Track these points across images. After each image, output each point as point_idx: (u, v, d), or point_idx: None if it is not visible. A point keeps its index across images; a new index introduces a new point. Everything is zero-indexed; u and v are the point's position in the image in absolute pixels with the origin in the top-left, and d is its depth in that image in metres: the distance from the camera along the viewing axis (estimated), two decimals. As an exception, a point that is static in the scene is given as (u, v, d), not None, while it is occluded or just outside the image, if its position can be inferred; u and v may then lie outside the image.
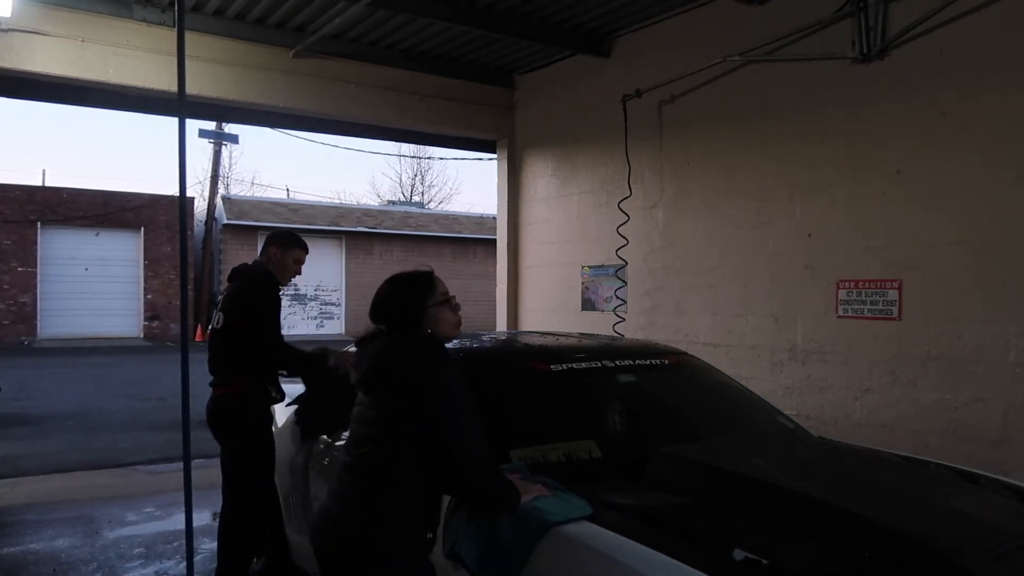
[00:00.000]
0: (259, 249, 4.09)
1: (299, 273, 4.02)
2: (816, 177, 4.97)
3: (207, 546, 4.63)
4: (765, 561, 1.98)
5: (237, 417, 3.69)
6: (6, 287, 20.00)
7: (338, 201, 32.61)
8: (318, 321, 23.42)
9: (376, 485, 2.23)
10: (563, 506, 2.30)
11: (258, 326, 3.67)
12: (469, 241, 25.77)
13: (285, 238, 3.99)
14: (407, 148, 36.78)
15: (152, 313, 21.57)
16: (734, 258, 5.52)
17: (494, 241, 8.26)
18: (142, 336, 21.41)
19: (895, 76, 4.52)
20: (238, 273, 3.92)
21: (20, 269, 20.12)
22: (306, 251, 4.01)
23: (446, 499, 2.42)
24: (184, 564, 4.12)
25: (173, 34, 5.03)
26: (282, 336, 3.77)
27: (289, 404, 3.99)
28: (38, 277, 20.34)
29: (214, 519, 5.15)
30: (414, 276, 2.48)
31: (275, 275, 3.87)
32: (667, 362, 3.57)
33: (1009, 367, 4.06)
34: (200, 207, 24.94)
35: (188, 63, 3.92)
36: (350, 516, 2.23)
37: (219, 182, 24.97)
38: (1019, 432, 4.01)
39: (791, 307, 5.12)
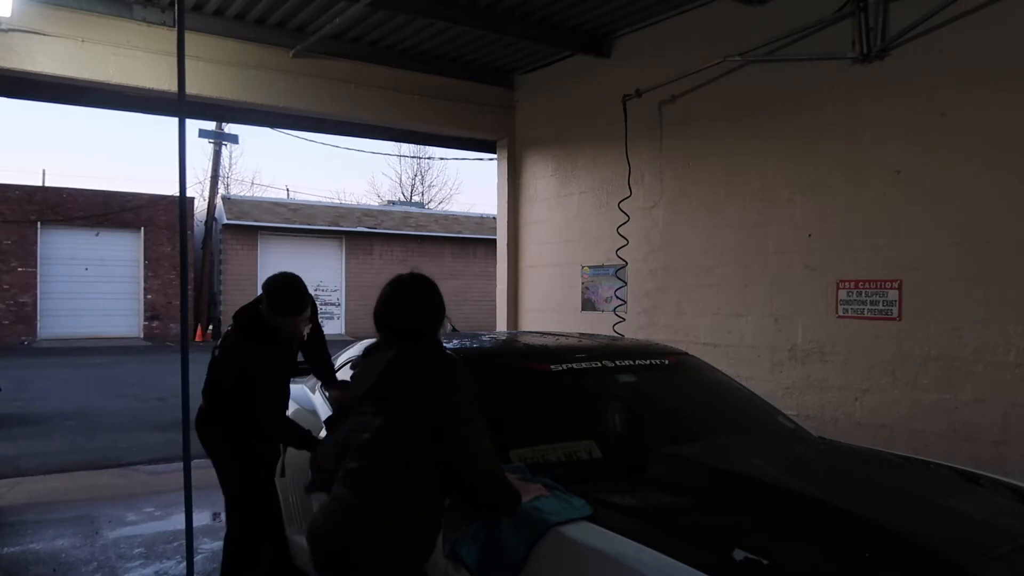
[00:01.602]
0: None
1: (298, 335, 3.36)
2: (816, 177, 4.97)
3: (207, 546, 4.63)
4: (765, 561, 1.98)
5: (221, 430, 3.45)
6: (6, 287, 20.00)
7: (338, 201, 32.63)
8: (318, 321, 23.43)
9: (381, 492, 2.22)
10: (563, 506, 2.30)
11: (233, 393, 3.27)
12: (469, 241, 25.78)
13: (271, 298, 3.21)
14: (407, 148, 36.85)
15: (152, 313, 21.57)
16: (734, 258, 5.52)
17: (494, 241, 8.27)
18: (142, 336, 21.41)
19: (895, 76, 4.52)
20: (234, 322, 3.39)
21: (20, 269, 20.12)
22: (295, 316, 3.24)
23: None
24: (184, 564, 4.13)
25: (173, 34, 5.03)
26: (266, 395, 3.27)
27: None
28: (38, 277, 20.34)
29: (214, 519, 5.16)
30: (422, 281, 2.44)
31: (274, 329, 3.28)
32: (667, 362, 3.58)
33: (1009, 367, 4.06)
34: (200, 207, 24.93)
35: (188, 63, 3.93)
36: (350, 523, 2.22)
37: (219, 182, 24.97)
38: (1019, 432, 4.01)
39: (791, 307, 5.12)
